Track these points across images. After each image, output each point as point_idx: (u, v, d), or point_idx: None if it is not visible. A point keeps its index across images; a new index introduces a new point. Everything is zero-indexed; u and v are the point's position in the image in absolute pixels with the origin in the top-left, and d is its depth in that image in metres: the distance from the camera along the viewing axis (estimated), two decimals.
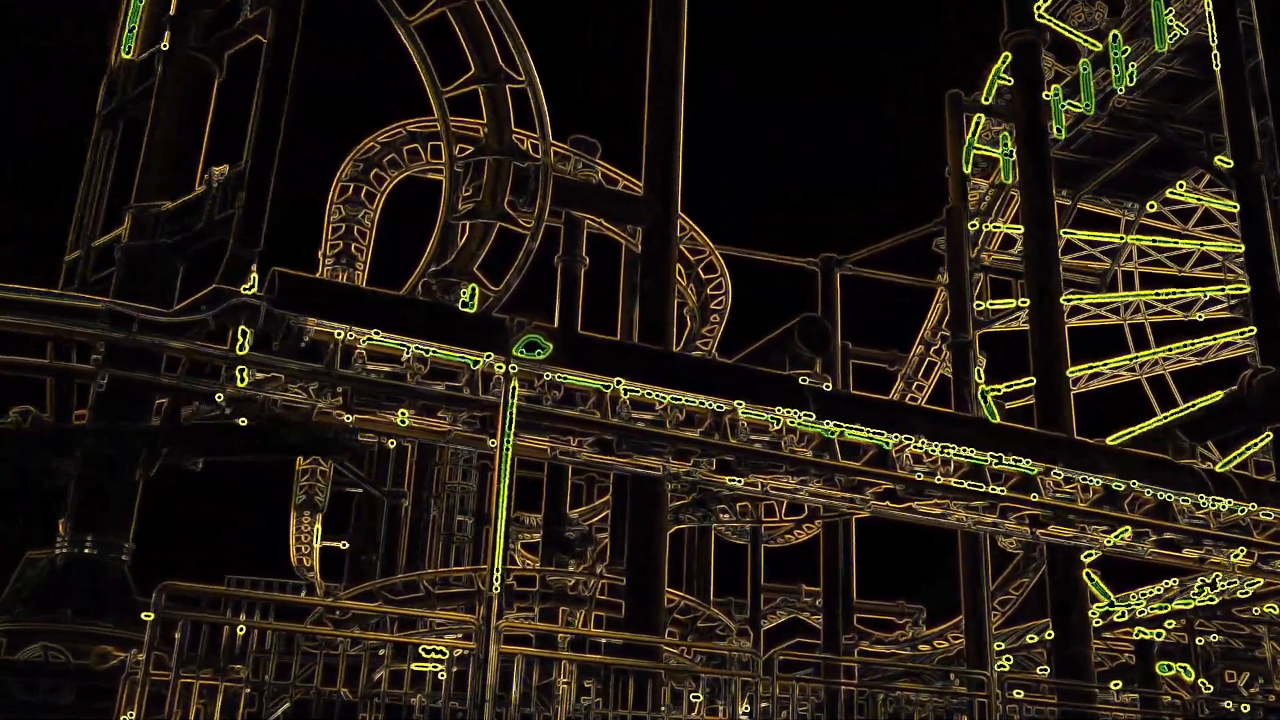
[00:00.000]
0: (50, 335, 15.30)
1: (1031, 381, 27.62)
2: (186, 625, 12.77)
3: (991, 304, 34.78)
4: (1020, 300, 32.62)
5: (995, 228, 35.31)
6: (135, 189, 19.16)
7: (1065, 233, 33.14)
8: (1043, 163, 27.73)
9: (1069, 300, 30.38)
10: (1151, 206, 35.82)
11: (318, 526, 38.34)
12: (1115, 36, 32.08)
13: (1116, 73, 31.69)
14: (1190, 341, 37.40)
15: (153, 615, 12.59)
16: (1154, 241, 37.02)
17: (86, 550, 16.93)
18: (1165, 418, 36.63)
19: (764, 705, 15.01)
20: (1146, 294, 37.49)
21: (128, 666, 14.88)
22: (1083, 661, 23.05)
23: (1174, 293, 37.20)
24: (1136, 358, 37.17)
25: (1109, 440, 34.17)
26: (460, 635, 20.69)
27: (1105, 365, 36.39)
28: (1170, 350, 37.37)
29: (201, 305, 15.84)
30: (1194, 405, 35.86)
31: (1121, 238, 36.09)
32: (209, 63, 20.03)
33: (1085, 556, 24.24)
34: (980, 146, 34.78)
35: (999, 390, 34.33)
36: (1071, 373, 28.50)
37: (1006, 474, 20.08)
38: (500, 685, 13.35)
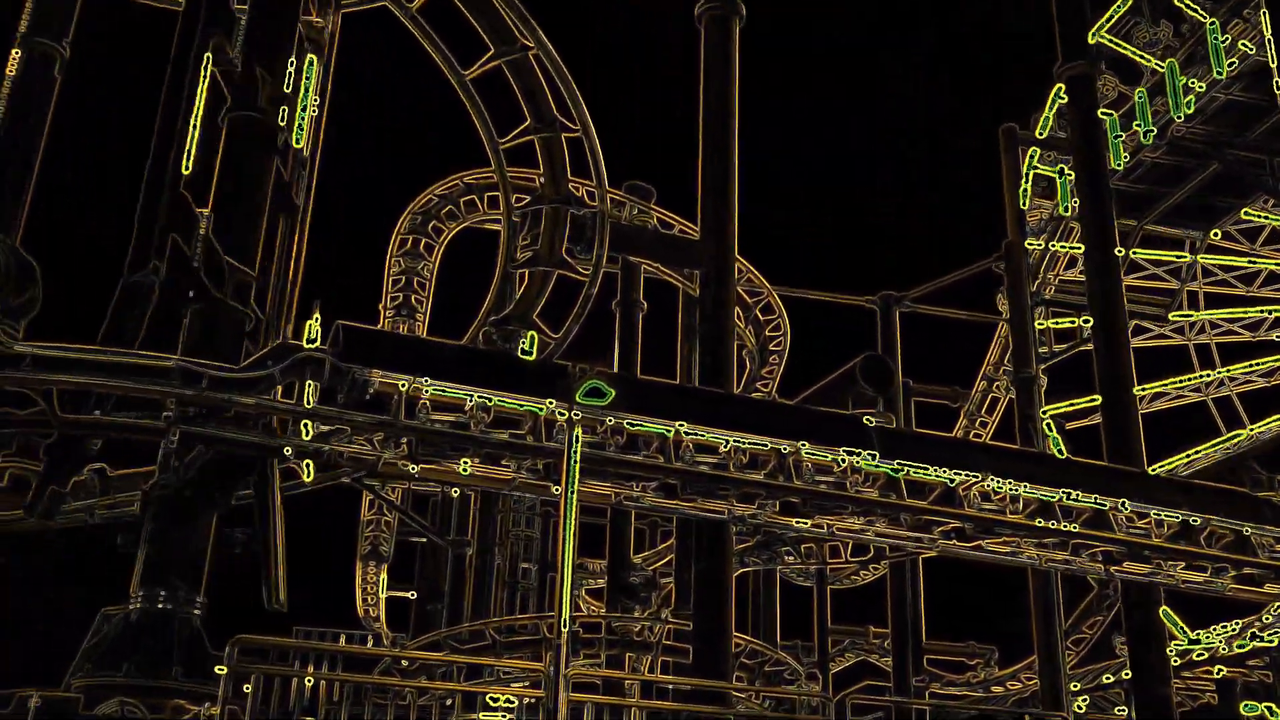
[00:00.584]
0: (123, 393, 15.61)
1: (1094, 400, 27.16)
2: (259, 678, 12.90)
3: (1055, 323, 34.16)
4: (1084, 319, 32.06)
5: (1062, 247, 34.74)
6: (202, 248, 19.51)
7: (1133, 252, 32.61)
8: (1102, 195, 27.47)
9: (1132, 318, 29.77)
10: (1215, 235, 35.24)
11: (383, 577, 38.58)
12: (1172, 65, 31.76)
13: (1174, 101, 31.33)
14: (1258, 361, 36.68)
15: (226, 669, 12.74)
16: (1220, 261, 36.37)
17: (159, 605, 17.11)
18: (1231, 439, 35.98)
19: None
20: (1212, 313, 36.82)
21: None
22: (1164, 702, 22.49)
23: (1241, 312, 36.52)
24: (1202, 377, 36.42)
25: (1175, 461, 33.62)
26: (528, 683, 20.67)
27: (1169, 385, 35.70)
28: (1237, 370, 36.63)
29: (268, 360, 16.09)
30: (1263, 426, 35.23)
31: (1188, 257, 35.41)
32: (269, 123, 20.47)
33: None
34: (1041, 167, 34.41)
35: (1060, 409, 33.77)
36: (1135, 392, 27.95)
37: (1077, 510, 19.74)
38: None
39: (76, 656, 17.21)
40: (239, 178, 20.05)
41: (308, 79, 20.93)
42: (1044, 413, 31.41)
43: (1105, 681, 32.70)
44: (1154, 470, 27.33)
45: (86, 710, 15.66)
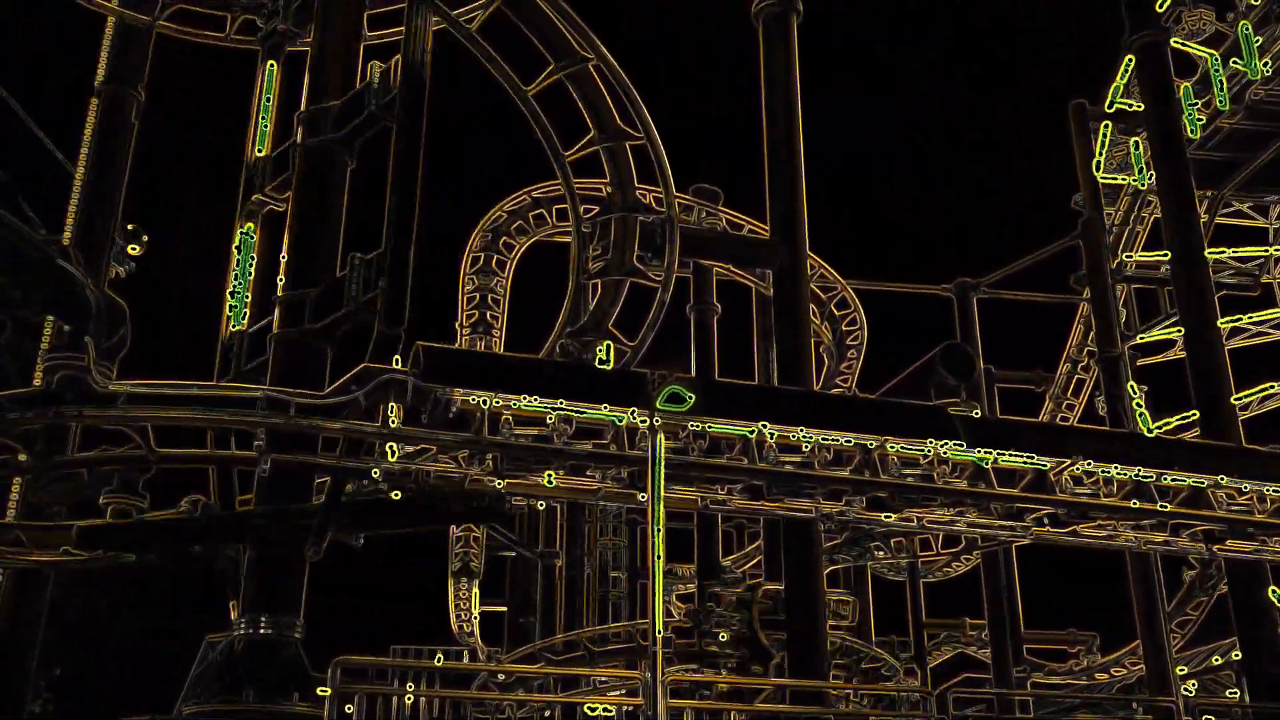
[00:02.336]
0: (214, 425, 15.97)
1: (1194, 415, 26.43)
2: (362, 698, 13.10)
3: (1141, 336, 33.28)
4: (1169, 310, 31.29)
5: (1140, 222, 33.93)
6: (281, 278, 19.91)
7: (1210, 254, 31.74)
8: (1179, 165, 26.88)
9: (1226, 323, 28.95)
10: None
11: (475, 592, 38.87)
12: (1245, 27, 30.96)
13: (1250, 63, 30.52)
14: None
15: (329, 690, 12.96)
16: None
17: (262, 631, 17.48)
18: None
19: None
20: None
21: None
22: (1277, 682, 21.88)
23: None
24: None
25: (1251, 394, 32.51)
26: (624, 691, 20.72)
27: (1248, 320, 34.45)
28: None
29: (352, 385, 16.34)
30: None
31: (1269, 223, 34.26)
32: (341, 152, 20.81)
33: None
34: (1110, 176, 33.71)
35: (1160, 426, 32.87)
36: (1241, 398, 27.29)
37: (1174, 489, 19.29)
38: None
39: (185, 684, 17.64)
40: (316, 208, 20.45)
41: None
42: (1134, 401, 30.64)
43: (1214, 664, 31.91)
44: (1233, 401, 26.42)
45: None
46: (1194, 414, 26.25)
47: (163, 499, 19.23)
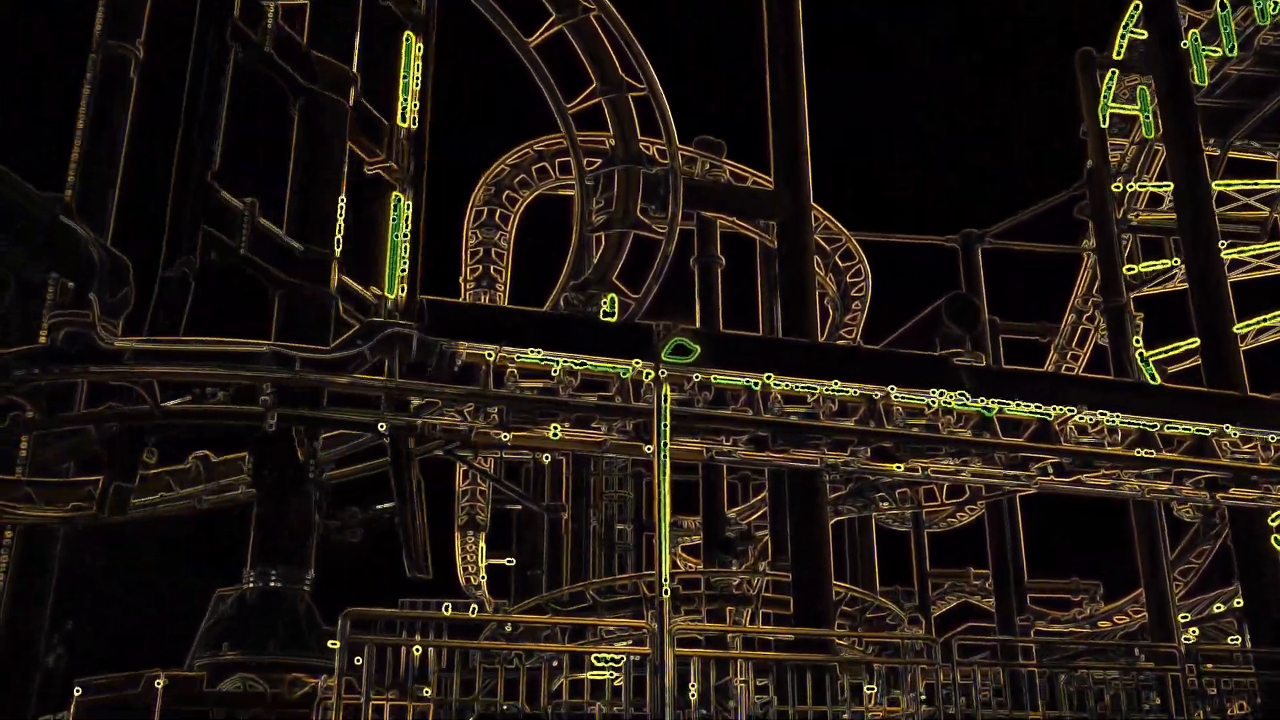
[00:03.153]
0: (219, 381, 16.02)
1: (1194, 343, 26.49)
2: (372, 649, 13.22)
3: (1144, 266, 33.29)
4: (1174, 259, 31.23)
5: (1142, 186, 33.86)
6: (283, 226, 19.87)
7: (1217, 185, 31.59)
8: (1187, 112, 26.69)
9: (1227, 255, 28.89)
10: None
11: (482, 545, 39.14)
12: None
13: (1259, 8, 30.18)
14: None
15: (339, 642, 13.08)
16: None
17: (272, 584, 17.65)
18: None
19: (944, 692, 14.75)
20: None
21: (319, 692, 15.46)
22: (1279, 627, 22.03)
23: None
24: None
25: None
26: (632, 642, 20.89)
27: (1277, 318, 34.47)
28: None
29: (358, 340, 16.38)
30: None
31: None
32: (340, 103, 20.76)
33: (1273, 520, 23.16)
34: (1116, 106, 33.44)
35: (1160, 354, 32.92)
36: (1238, 329, 27.21)
37: (1178, 438, 19.34)
38: (677, 688, 13.43)
39: (196, 637, 17.83)
40: (314, 160, 20.35)
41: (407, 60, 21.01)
42: (1138, 351, 30.62)
43: (1216, 611, 32.12)
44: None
45: (209, 688, 16.23)
46: (1195, 341, 26.22)
47: (170, 456, 19.36)
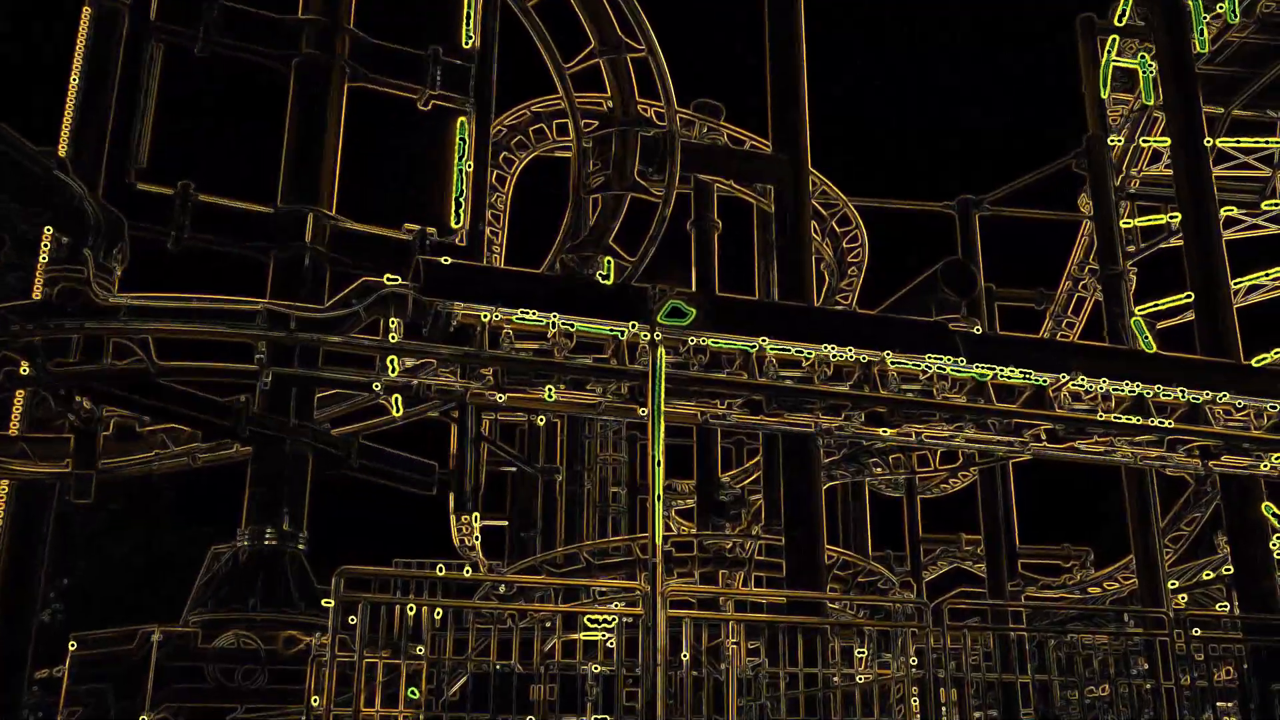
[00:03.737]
0: (215, 339, 16.01)
1: (1186, 297, 26.48)
2: (365, 607, 13.28)
3: (1141, 220, 33.14)
4: (1170, 215, 31.09)
5: (1146, 141, 33.61)
6: (279, 197, 19.87)
7: (1219, 142, 31.38)
8: (1187, 80, 26.56)
9: (1224, 212, 28.76)
10: None
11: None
12: None
13: None
14: None
15: (333, 601, 13.13)
16: None
17: (267, 542, 17.73)
18: None
19: (934, 656, 14.84)
20: None
21: (313, 650, 15.56)
22: (1268, 596, 22.19)
23: None
24: None
25: (1271, 356, 32.70)
26: (625, 603, 21.02)
27: (1267, 277, 34.50)
28: None
29: (352, 299, 16.35)
30: None
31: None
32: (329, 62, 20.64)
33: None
34: (1121, 60, 33.19)
35: (1150, 309, 32.94)
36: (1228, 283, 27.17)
37: (1172, 405, 19.38)
38: (669, 649, 13.51)
39: (191, 593, 17.93)
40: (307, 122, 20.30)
41: None
42: (1134, 318, 30.67)
43: (1205, 578, 32.34)
44: (1255, 362, 26.58)
45: (204, 644, 16.33)
46: (1188, 295, 26.27)
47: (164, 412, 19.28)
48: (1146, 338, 30.93)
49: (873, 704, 15.31)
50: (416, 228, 20.70)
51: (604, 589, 23.42)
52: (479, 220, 20.89)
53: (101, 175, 23.36)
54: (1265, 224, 33.31)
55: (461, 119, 21.41)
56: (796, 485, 22.59)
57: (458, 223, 20.75)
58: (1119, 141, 33.31)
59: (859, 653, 17.07)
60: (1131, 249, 32.37)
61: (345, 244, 20.29)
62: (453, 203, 21.09)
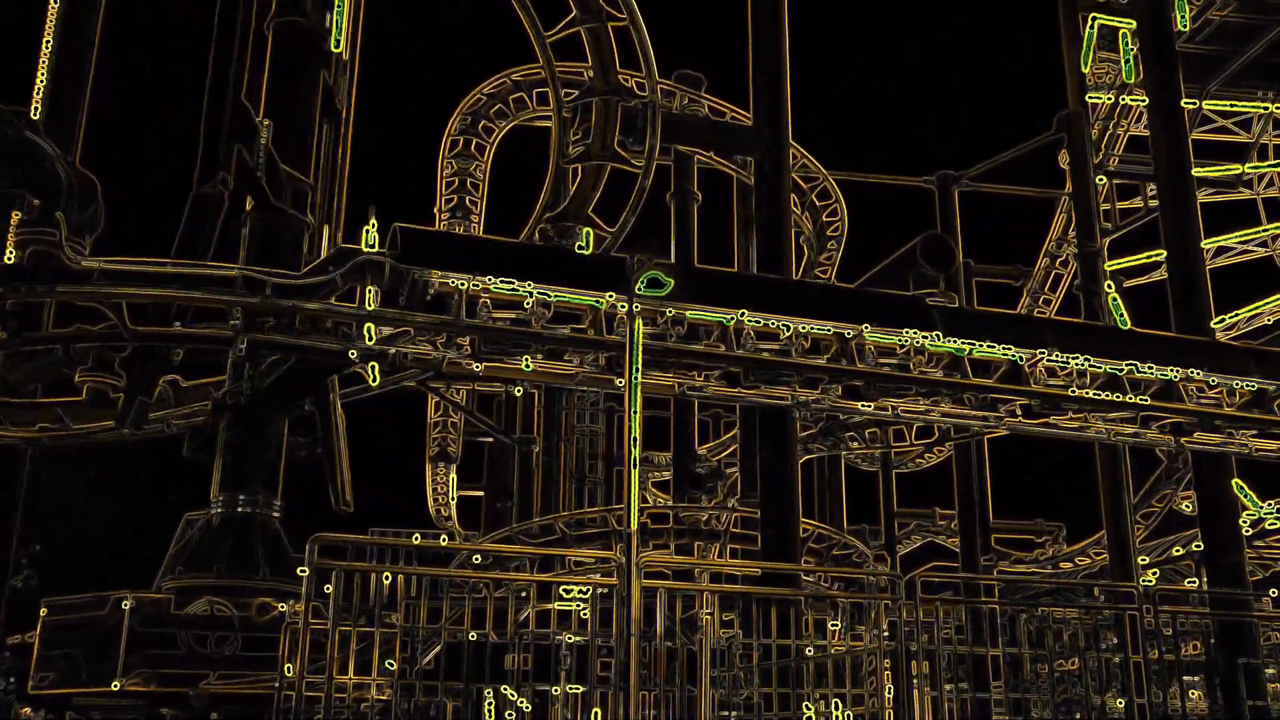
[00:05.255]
0: (189, 304, 15.86)
1: (1155, 255, 26.57)
2: (339, 575, 13.23)
3: (1120, 221, 33.35)
4: (1149, 189, 31.24)
5: (1129, 107, 33.71)
6: (264, 157, 19.64)
7: (1202, 102, 31.39)
8: (1167, 52, 26.60)
9: (1196, 173, 28.83)
10: None
11: (453, 477, 39.28)
12: None
13: None
14: None
15: (307, 569, 13.08)
16: None
17: (240, 509, 17.65)
18: None
19: (906, 629, 14.93)
20: None
21: (287, 617, 15.52)
22: (1235, 571, 22.41)
23: None
24: (1268, 230, 35.48)
25: (1238, 315, 33.10)
26: (600, 574, 21.08)
27: (1234, 239, 34.79)
28: None
29: (329, 266, 16.26)
30: None
31: (1266, 108, 34.07)
32: (315, 28, 20.41)
33: None
34: (1106, 22, 33.17)
35: (1122, 264, 33.20)
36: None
37: (1146, 381, 19.50)
38: (643, 620, 13.53)
39: (164, 560, 17.85)
40: (289, 85, 20.09)
41: None
42: (1106, 269, 30.90)
43: (1175, 554, 32.65)
44: (1215, 324, 26.83)
45: (177, 610, 16.27)
46: (1159, 253, 26.41)
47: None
48: (1122, 315, 31.12)
49: (845, 676, 15.40)
50: None
51: (579, 559, 23.44)
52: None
53: (79, 137, 23.21)
54: (1240, 189, 33.57)
55: None
56: (773, 458, 22.62)
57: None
58: (1105, 100, 33.30)
59: (832, 625, 17.16)
60: (1108, 225, 32.50)
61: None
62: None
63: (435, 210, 33.82)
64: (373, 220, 17.13)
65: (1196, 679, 20.88)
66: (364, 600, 13.78)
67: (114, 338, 15.94)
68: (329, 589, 13.06)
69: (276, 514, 18.36)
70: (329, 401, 17.65)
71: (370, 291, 16.22)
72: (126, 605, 16.06)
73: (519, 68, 31.55)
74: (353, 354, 16.58)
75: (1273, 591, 24.12)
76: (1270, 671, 19.80)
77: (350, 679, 13.35)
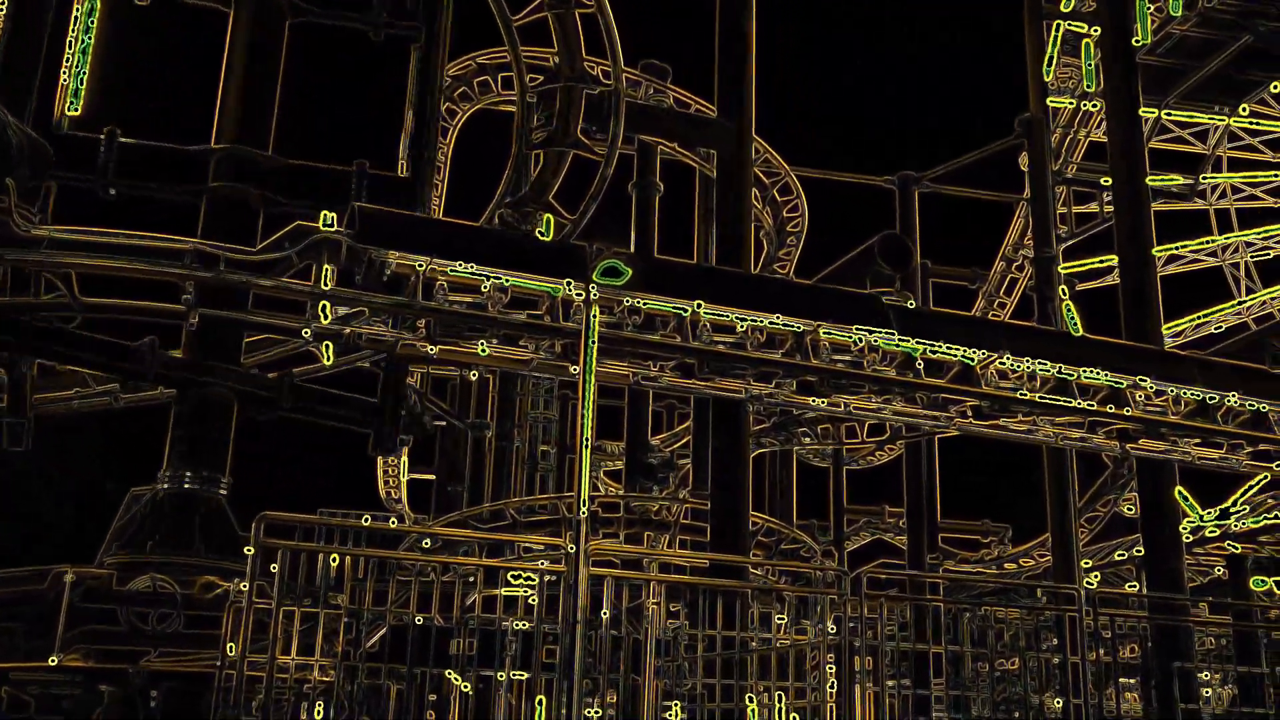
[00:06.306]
0: (141, 276, 15.67)
1: (1108, 261, 26.93)
2: (286, 555, 13.14)
3: (1077, 228, 33.83)
4: (1106, 195, 31.73)
5: (1089, 114, 34.14)
6: (217, 126, 19.44)
7: (1161, 112, 31.87)
8: (1127, 62, 26.95)
9: (1151, 180, 29.31)
10: (1244, 110, 34.56)
11: (404, 460, 39.06)
12: None
13: None
14: (1276, 227, 36.59)
15: (253, 548, 12.98)
16: (1249, 125, 35.70)
17: (187, 486, 17.47)
18: (1244, 302, 36.23)
19: (851, 625, 15.05)
20: (1234, 176, 36.42)
21: (231, 596, 15.40)
22: (1175, 576, 22.77)
23: (1267, 176, 36.20)
24: (1215, 241, 36.21)
25: (1184, 322, 33.75)
26: (549, 561, 21.06)
27: (1184, 249, 35.47)
28: (1253, 235, 36.54)
29: (285, 243, 16.08)
30: (1277, 292, 35.44)
31: (1220, 120, 34.71)
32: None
33: None
34: (1070, 29, 33.57)
35: (1075, 268, 33.71)
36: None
37: (1095, 388, 19.75)
38: (590, 608, 13.55)
39: (107, 535, 17.62)
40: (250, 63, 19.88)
41: None
42: (1061, 270, 31.34)
43: (1118, 558, 33.14)
44: (1165, 330, 27.29)
45: (119, 586, 16.08)
46: (1113, 258, 26.81)
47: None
48: (1074, 320, 31.48)
49: (788, 669, 15.50)
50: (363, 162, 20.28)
51: (529, 546, 23.41)
52: (426, 152, 20.48)
53: (29, 112, 22.74)
54: (1194, 198, 34.13)
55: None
56: (725, 451, 22.71)
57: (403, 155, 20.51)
58: (1066, 105, 33.67)
59: (778, 618, 17.27)
60: (1064, 230, 32.88)
61: (283, 181, 19.77)
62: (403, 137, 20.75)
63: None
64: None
65: (1133, 681, 21.24)
66: (309, 581, 13.70)
67: (63, 308, 15.72)
68: (275, 568, 12.98)
69: (224, 491, 18.18)
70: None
71: (326, 270, 16.07)
72: (68, 579, 15.86)
73: (484, 50, 31.35)
74: (307, 333, 16.46)
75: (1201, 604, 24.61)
76: (1203, 676, 20.16)
77: (293, 659, 13.28)
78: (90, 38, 19.59)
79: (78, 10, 19.82)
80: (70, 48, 19.50)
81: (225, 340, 18.74)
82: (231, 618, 14.16)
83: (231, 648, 12.83)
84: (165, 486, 17.66)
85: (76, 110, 19.33)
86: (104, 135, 18.70)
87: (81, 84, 19.43)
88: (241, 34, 20.08)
